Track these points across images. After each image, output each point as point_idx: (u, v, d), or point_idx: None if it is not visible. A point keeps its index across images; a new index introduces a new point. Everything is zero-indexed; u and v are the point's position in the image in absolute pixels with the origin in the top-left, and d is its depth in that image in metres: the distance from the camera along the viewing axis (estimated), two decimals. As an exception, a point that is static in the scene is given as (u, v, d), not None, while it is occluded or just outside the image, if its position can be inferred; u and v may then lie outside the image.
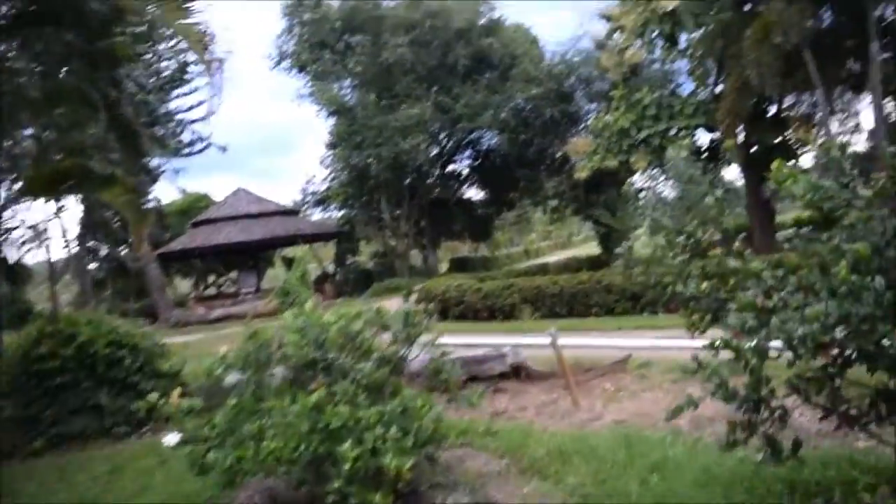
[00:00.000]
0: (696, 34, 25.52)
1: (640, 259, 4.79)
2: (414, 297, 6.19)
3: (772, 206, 29.94)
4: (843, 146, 3.83)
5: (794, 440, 3.78)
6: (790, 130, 29.30)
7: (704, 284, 4.06)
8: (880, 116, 19.82)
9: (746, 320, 2.91)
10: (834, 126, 23.16)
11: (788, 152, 30.08)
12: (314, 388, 4.63)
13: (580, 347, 10.04)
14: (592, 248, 44.67)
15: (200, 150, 39.90)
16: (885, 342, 2.66)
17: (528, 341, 10.21)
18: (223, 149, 40.41)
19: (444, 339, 9.62)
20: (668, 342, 10.08)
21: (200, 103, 38.95)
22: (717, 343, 4.11)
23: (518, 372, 9.65)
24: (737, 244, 4.10)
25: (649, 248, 4.44)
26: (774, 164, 4.05)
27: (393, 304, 6.61)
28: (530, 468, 6.31)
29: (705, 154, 28.03)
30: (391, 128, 35.42)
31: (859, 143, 28.29)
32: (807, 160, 34.62)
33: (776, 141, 29.24)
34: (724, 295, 4.12)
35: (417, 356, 6.13)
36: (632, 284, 15.58)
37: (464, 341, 11.00)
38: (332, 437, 4.53)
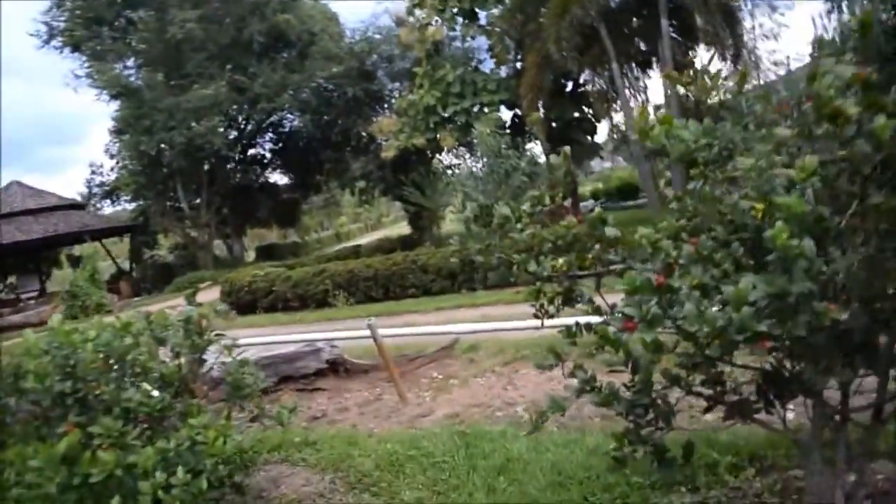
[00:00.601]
0: (496, 10, 25.55)
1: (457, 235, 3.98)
2: (199, 296, 5.03)
3: (574, 180, 30.94)
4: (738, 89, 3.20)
5: (685, 444, 3.15)
6: (588, 105, 30.39)
7: (560, 261, 3.32)
8: (673, 92, 20.67)
9: (644, 308, 2.17)
10: (628, 102, 23.84)
11: (586, 126, 31.24)
12: (65, 431, 3.45)
13: (402, 337, 9.20)
14: (403, 229, 44.37)
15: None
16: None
17: (345, 334, 9.24)
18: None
19: (250, 337, 8.49)
20: (492, 324, 9.50)
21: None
22: (575, 329, 3.45)
23: (336, 368, 8.67)
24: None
25: (467, 220, 3.63)
26: (637, 112, 3.39)
27: (200, 298, 5.50)
28: (359, 483, 5.41)
29: (509, 130, 28.31)
30: (183, 110, 32.80)
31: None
32: (601, 135, 36.24)
33: (576, 115, 30.22)
34: (580, 271, 3.43)
35: (212, 365, 5.02)
36: (448, 263, 15.13)
37: (273, 337, 9.86)
38: (95, 494, 3.39)
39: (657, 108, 31.01)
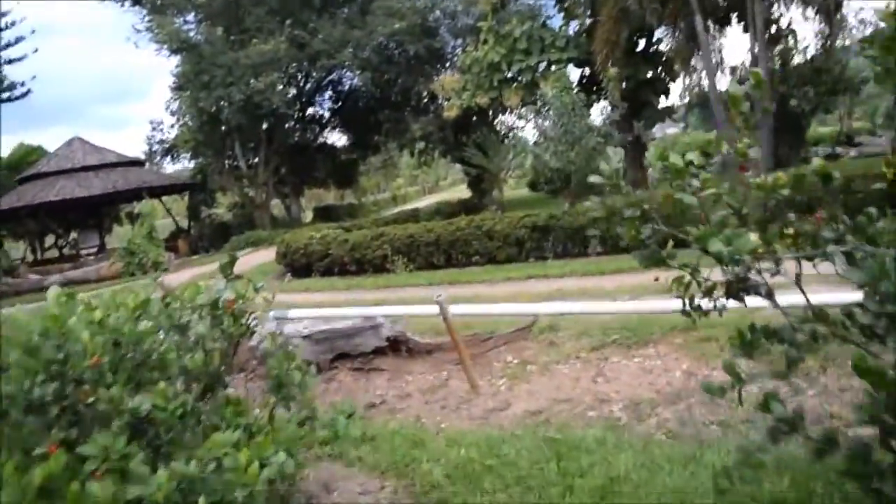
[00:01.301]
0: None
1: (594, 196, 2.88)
2: (255, 256, 4.12)
3: (644, 142, 29.38)
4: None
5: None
6: (662, 65, 28.68)
7: (752, 237, 2.24)
8: (763, 49, 18.99)
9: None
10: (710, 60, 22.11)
11: (659, 87, 29.55)
12: (44, 453, 2.55)
13: (472, 316, 8.18)
14: (462, 192, 43.32)
15: (19, 97, 35.12)
16: None
17: (406, 310, 8.30)
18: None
19: (304, 308, 7.58)
20: (581, 304, 8.44)
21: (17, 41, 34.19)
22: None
23: (397, 346, 7.75)
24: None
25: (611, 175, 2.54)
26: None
27: (255, 259, 4.63)
28: (426, 496, 4.48)
29: (576, 90, 26.93)
30: (242, 66, 32.09)
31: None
32: (675, 94, 34.34)
33: (649, 75, 28.56)
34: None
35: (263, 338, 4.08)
36: (516, 230, 14.10)
37: (329, 311, 8.99)
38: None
39: (733, 69, 29.15)
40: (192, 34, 35.79)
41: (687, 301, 2.72)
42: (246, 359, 6.42)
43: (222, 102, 32.93)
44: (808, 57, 24.13)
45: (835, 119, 40.21)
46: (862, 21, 24.76)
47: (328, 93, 44.41)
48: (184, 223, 39.89)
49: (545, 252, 14.24)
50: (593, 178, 2.74)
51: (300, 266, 18.39)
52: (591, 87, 27.36)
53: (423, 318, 8.21)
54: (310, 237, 18.09)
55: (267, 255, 21.56)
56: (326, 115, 45.41)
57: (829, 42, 25.58)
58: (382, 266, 16.16)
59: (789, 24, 24.19)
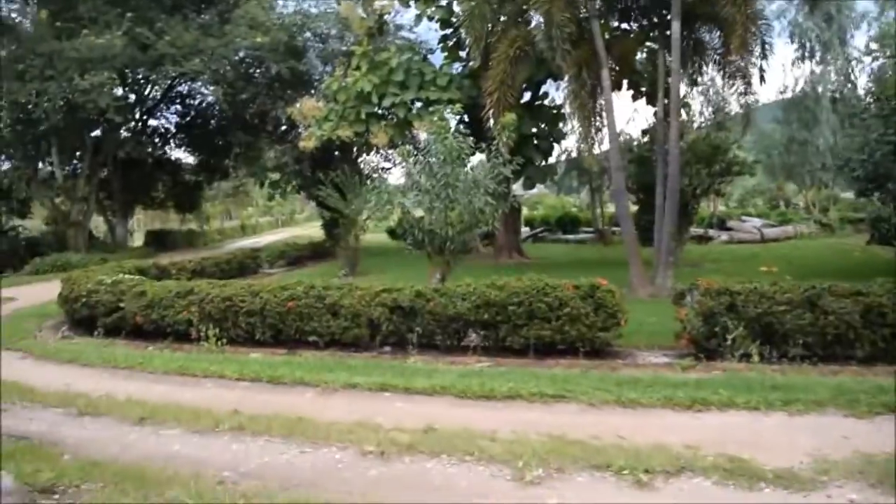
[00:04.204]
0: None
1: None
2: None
3: (520, 204, 26.80)
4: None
5: None
6: (548, 121, 26.35)
7: None
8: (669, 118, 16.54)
9: None
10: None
11: (544, 146, 27.16)
12: None
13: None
14: (318, 230, 39.33)
15: None
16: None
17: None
18: None
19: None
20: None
21: None
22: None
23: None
24: None
25: None
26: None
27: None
28: None
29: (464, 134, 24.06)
30: (66, 58, 26.96)
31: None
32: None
33: (534, 131, 26.14)
34: None
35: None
36: (370, 308, 10.53)
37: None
38: None
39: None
40: (12, 14, 30.28)
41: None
42: None
43: (38, 98, 27.47)
44: (704, 133, 22.29)
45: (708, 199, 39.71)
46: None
47: (176, 105, 39.66)
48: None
49: (407, 342, 10.68)
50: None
51: (83, 318, 13.90)
52: (471, 137, 24.43)
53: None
54: (98, 282, 13.65)
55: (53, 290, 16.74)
56: (171, 129, 40.50)
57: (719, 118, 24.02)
58: (187, 334, 12.02)
59: (684, 97, 22.27)
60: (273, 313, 11.37)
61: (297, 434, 6.63)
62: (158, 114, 38.66)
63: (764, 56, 19.41)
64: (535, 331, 10.11)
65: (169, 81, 34.02)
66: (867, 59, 34.80)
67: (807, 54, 35.95)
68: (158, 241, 41.65)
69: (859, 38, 77.13)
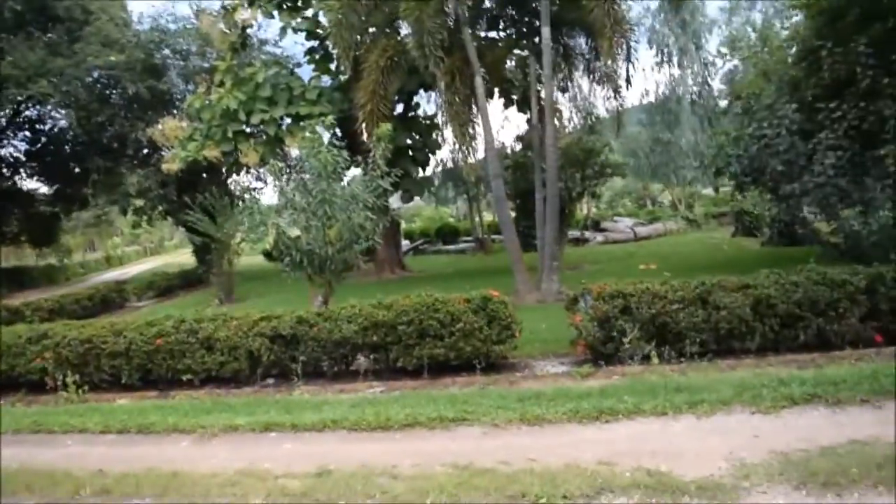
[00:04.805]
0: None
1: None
2: None
3: (398, 216, 26.35)
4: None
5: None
6: (421, 132, 26.09)
7: None
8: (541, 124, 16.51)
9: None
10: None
11: (419, 157, 26.85)
12: None
13: None
14: (189, 256, 37.42)
15: None
16: None
17: None
18: None
19: None
20: None
21: None
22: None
23: None
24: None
25: None
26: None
27: None
28: None
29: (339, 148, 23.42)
30: None
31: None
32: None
33: (408, 142, 25.76)
34: None
35: None
36: (248, 339, 9.72)
37: None
38: None
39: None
40: None
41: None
42: None
43: None
44: (577, 137, 22.63)
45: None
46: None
47: (25, 132, 36.78)
48: None
49: (291, 373, 9.93)
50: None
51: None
52: (346, 150, 23.78)
53: None
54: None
55: None
56: (21, 157, 37.51)
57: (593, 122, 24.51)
58: (42, 384, 10.76)
59: (555, 102, 22.50)
60: (140, 353, 10.34)
61: (172, 492, 5.85)
62: (5, 141, 35.67)
63: (629, 60, 19.89)
64: (427, 350, 9.63)
65: (14, 106, 31.45)
66: (719, 63, 36.60)
67: (665, 59, 37.51)
68: (12, 279, 38.48)
69: (712, 43, 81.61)
